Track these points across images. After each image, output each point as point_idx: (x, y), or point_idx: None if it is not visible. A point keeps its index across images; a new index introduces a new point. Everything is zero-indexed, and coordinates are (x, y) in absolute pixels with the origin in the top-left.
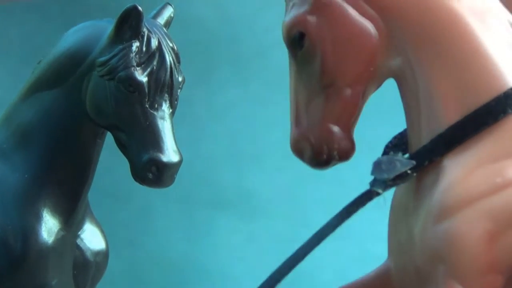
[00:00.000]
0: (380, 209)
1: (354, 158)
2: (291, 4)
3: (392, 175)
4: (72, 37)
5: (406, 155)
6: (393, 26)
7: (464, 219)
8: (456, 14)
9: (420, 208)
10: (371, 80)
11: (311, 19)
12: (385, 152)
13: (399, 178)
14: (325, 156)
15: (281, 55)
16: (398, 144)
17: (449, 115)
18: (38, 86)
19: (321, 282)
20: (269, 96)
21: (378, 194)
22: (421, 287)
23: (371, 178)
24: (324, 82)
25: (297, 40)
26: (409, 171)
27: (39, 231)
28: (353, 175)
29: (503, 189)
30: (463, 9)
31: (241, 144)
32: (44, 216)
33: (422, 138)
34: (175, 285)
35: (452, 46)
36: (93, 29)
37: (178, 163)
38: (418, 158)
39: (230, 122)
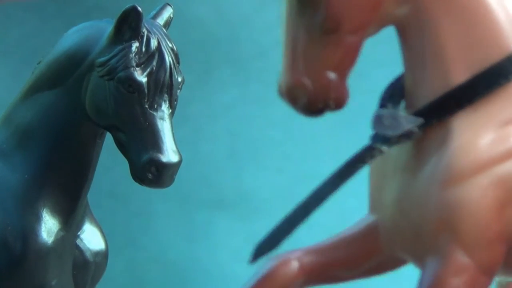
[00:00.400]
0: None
1: None
2: None
3: (398, 133)
4: (71, 37)
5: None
6: None
7: (475, 186)
8: None
9: (422, 170)
10: (372, 27)
11: None
12: (382, 105)
13: (405, 136)
14: (320, 105)
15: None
16: (393, 95)
17: (459, 72)
18: (38, 87)
19: None
20: (269, 96)
21: (381, 152)
22: (417, 250)
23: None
24: (328, 27)
25: None
26: (415, 129)
27: (38, 231)
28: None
29: None
30: None
31: (241, 144)
32: (43, 216)
33: (428, 94)
34: (175, 285)
35: (464, 2)
36: (92, 29)
37: (178, 164)
38: (425, 116)
39: (229, 123)
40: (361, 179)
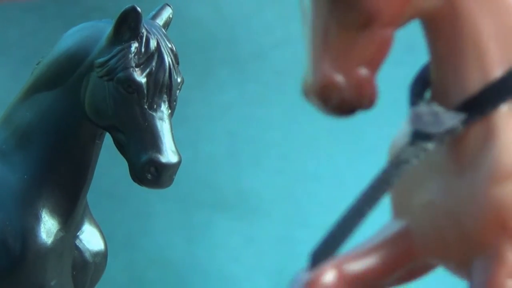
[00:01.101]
0: (378, 209)
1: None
2: None
3: (441, 129)
4: (71, 38)
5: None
6: None
7: None
8: None
9: (467, 169)
10: (403, 20)
11: None
12: (414, 101)
13: (448, 133)
14: (354, 103)
15: (280, 56)
16: (420, 92)
17: (497, 63)
18: (37, 87)
19: None
20: (268, 97)
21: (425, 150)
22: (463, 253)
23: (410, 130)
24: (362, 21)
25: None
26: (458, 126)
27: (38, 231)
28: (351, 175)
29: None
30: None
31: (240, 144)
32: (43, 216)
33: (466, 87)
34: (174, 285)
35: None
36: (92, 30)
37: (177, 164)
38: (467, 110)
39: (229, 123)
40: (359, 179)
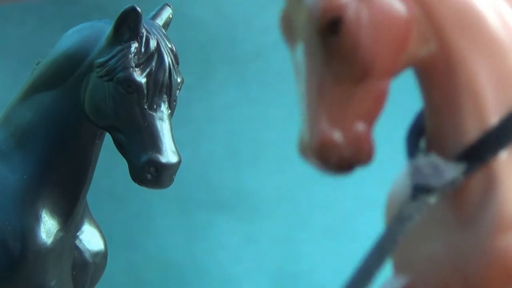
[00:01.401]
0: (378, 209)
1: None
2: None
3: (442, 181)
4: (70, 38)
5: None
6: (428, 8)
7: None
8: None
9: (470, 220)
10: (398, 69)
11: (348, 1)
12: (411, 153)
13: (450, 184)
14: (353, 161)
15: (280, 56)
16: (416, 142)
17: (494, 110)
18: (37, 87)
19: (321, 282)
20: (268, 97)
21: (428, 204)
22: None
23: (410, 185)
24: (358, 74)
25: (331, 26)
26: (459, 177)
27: (38, 232)
28: (351, 176)
29: None
30: None
31: (240, 145)
32: (43, 217)
33: (463, 136)
34: (174, 285)
35: (490, 35)
36: (91, 30)
37: (177, 164)
38: (467, 160)
39: (229, 123)
40: (359, 179)
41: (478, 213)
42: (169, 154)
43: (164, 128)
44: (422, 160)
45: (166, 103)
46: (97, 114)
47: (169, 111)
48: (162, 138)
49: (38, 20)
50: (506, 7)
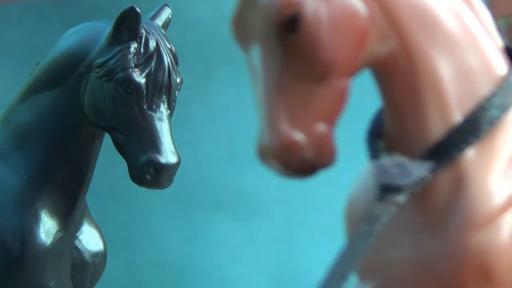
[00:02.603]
0: None
1: (351, 159)
2: None
3: (410, 180)
4: (70, 38)
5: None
6: (386, 5)
7: (502, 228)
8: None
9: (440, 221)
10: (357, 68)
11: None
12: (373, 154)
13: (418, 183)
14: (315, 163)
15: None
16: (376, 144)
17: (457, 106)
18: (37, 87)
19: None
20: None
21: (397, 204)
22: None
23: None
24: (318, 73)
25: (289, 25)
26: (426, 175)
27: (37, 232)
28: (350, 176)
29: None
30: None
31: (239, 145)
32: (42, 217)
33: (428, 134)
34: (173, 285)
35: (448, 30)
36: (91, 30)
37: (176, 164)
38: (434, 158)
39: (228, 123)
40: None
41: (447, 212)
42: (168, 155)
43: (163, 128)
44: (387, 160)
45: (166, 103)
46: (97, 114)
47: (168, 112)
48: (161, 139)
49: (38, 20)
50: (462, 4)
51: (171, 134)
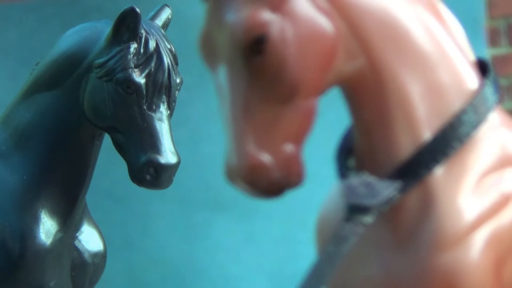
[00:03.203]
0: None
1: None
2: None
3: (378, 200)
4: (70, 38)
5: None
6: (353, 23)
7: (469, 247)
8: (418, 11)
9: (408, 239)
10: (325, 88)
11: (273, 19)
12: (342, 173)
13: (385, 203)
14: (283, 183)
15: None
16: (346, 161)
17: (427, 124)
18: (36, 88)
19: None
20: None
21: (364, 225)
22: None
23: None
24: (285, 94)
25: (255, 46)
26: (395, 195)
27: (37, 232)
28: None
29: (504, 206)
30: (426, 7)
31: None
32: (42, 217)
33: (397, 153)
34: (173, 286)
35: (416, 46)
36: (91, 30)
37: (176, 165)
38: (403, 177)
39: None
40: None
41: (416, 231)
42: (168, 155)
43: (163, 128)
44: (355, 179)
45: (165, 103)
46: (96, 114)
47: (168, 112)
48: (161, 139)
49: (37, 20)
50: (432, 19)
51: (171, 134)
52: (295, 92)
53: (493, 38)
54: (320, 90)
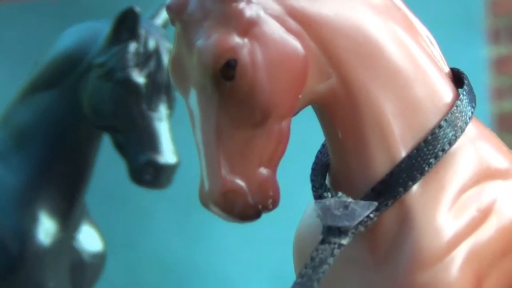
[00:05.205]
0: None
1: None
2: (205, 24)
3: (354, 222)
4: (69, 38)
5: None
6: (324, 42)
7: (448, 266)
8: (390, 27)
9: (386, 260)
10: (297, 109)
11: (242, 43)
12: (318, 195)
13: (362, 224)
14: (259, 207)
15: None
16: (323, 182)
17: (402, 142)
18: (36, 87)
19: None
20: None
21: (341, 246)
22: None
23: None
24: (257, 117)
25: (224, 70)
26: (372, 215)
27: (36, 233)
28: None
29: (482, 222)
30: (397, 23)
31: None
32: (41, 217)
33: (372, 173)
34: (173, 286)
35: (387, 63)
36: (90, 30)
37: (176, 165)
38: (379, 197)
39: None
40: None
41: (394, 251)
42: (167, 155)
43: (162, 128)
44: (331, 200)
45: (165, 103)
46: (96, 114)
47: (168, 112)
48: (160, 139)
49: (37, 20)
50: (405, 34)
51: (171, 134)
52: (267, 115)
53: (494, 37)
54: (293, 111)
